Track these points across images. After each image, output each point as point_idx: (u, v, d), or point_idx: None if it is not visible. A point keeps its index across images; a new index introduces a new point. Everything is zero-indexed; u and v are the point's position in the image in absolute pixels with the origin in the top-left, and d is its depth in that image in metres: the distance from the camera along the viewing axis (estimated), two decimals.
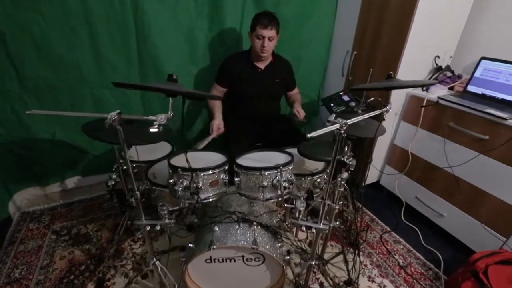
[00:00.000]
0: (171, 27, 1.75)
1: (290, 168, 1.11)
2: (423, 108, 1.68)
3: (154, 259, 1.18)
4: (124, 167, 1.42)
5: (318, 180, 1.31)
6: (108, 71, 1.74)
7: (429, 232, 1.77)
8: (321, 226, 1.06)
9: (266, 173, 1.04)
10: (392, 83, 0.99)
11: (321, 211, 1.06)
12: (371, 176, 2.09)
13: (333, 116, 0.89)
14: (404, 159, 1.87)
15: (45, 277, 1.42)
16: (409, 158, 1.83)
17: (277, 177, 1.06)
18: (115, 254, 1.55)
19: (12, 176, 1.78)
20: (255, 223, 1.20)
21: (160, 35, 1.74)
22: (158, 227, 1.07)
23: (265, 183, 1.05)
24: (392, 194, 2.01)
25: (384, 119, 1.06)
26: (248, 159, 1.20)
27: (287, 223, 1.52)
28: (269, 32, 1.56)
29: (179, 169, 1.02)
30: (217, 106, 1.72)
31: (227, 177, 1.13)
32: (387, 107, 1.02)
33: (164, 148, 1.66)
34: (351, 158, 1.15)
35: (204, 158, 1.20)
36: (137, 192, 1.01)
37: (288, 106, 1.97)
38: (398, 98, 1.81)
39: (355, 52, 1.92)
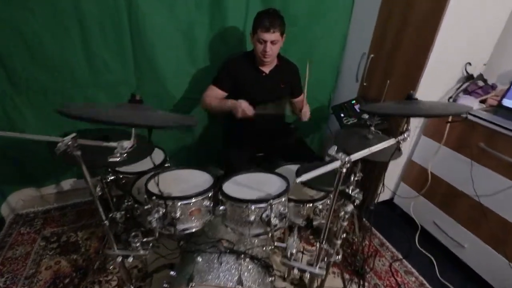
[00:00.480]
0: (168, 23, 1.61)
1: (284, 199, 0.95)
2: (448, 124, 1.46)
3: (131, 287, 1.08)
4: (107, 180, 1.33)
5: (320, 206, 1.15)
6: (101, 71, 1.64)
7: (446, 263, 1.57)
8: (317, 270, 0.91)
9: (253, 207, 0.90)
10: (410, 107, 0.80)
11: (316, 253, 0.90)
12: (384, 193, 1.89)
13: (334, 148, 0.73)
14: (423, 178, 1.66)
15: None
16: (429, 178, 1.62)
17: (267, 212, 0.91)
18: (101, 267, 1.47)
19: (6, 177, 1.75)
20: (243, 256, 1.07)
21: (156, 32, 1.61)
22: (130, 259, 0.96)
23: (251, 218, 0.91)
24: (407, 215, 1.81)
25: (400, 149, 0.87)
26: (236, 185, 1.05)
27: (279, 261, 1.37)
28: (272, 36, 1.38)
29: (154, 197, 0.90)
30: (216, 99, 1.51)
31: (211, 204, 0.99)
32: (405, 135, 0.83)
33: (158, 155, 1.55)
34: (358, 190, 0.97)
35: (188, 179, 1.07)
36: (105, 222, 0.89)
37: (293, 113, 1.78)
38: None
39: (372, 55, 1.70)
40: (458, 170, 1.47)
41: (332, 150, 0.71)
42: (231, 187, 1.02)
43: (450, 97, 1.53)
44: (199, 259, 1.05)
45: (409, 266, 1.57)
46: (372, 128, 1.25)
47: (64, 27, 1.47)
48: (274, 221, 0.89)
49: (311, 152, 1.63)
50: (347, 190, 0.97)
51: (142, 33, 1.58)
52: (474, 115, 1.36)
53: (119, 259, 0.95)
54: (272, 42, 1.41)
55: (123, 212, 1.28)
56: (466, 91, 1.57)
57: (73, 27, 1.48)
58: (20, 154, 1.70)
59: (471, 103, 1.51)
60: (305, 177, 0.63)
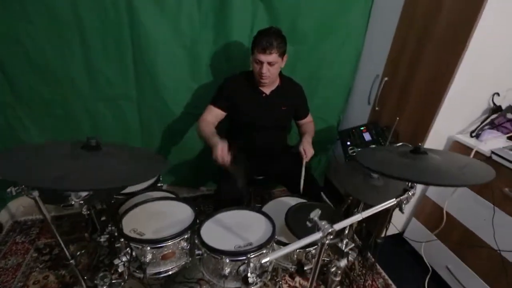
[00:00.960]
0: (171, 39, 1.57)
1: (265, 251, 0.85)
2: None
3: None
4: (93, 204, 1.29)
5: (313, 251, 1.04)
6: (102, 84, 1.62)
7: None
8: None
9: (228, 260, 0.80)
10: (417, 165, 0.67)
11: None
12: (393, 227, 1.74)
13: (317, 212, 0.62)
14: (437, 217, 1.49)
15: None
16: (444, 218, 1.45)
17: (244, 267, 0.81)
18: (90, 286, 1.43)
19: (6, 185, 1.76)
20: None
21: (158, 47, 1.56)
22: None
23: (226, 271, 0.81)
24: (417, 253, 1.64)
25: (402, 211, 0.74)
26: (217, 225, 0.96)
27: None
28: (268, 57, 1.28)
29: (122, 239, 0.83)
30: (208, 129, 1.41)
31: (188, 246, 0.91)
32: (410, 193, 0.70)
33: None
34: (352, 245, 0.86)
35: (167, 214, 0.99)
36: (71, 261, 0.84)
37: (299, 136, 1.67)
38: (436, 139, 1.43)
39: (386, 78, 1.56)
40: (478, 214, 1.30)
41: (315, 214, 0.61)
42: (210, 229, 0.93)
43: (473, 131, 1.37)
44: None
45: None
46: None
47: (65, 40, 1.46)
48: (252, 278, 0.79)
49: (312, 179, 1.51)
50: (340, 245, 0.85)
51: (144, 48, 1.55)
52: (500, 156, 1.19)
53: None
54: (270, 64, 1.31)
55: (107, 236, 1.24)
56: (493, 124, 1.40)
57: (74, 40, 1.47)
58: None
59: (497, 139, 1.33)
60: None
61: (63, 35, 1.45)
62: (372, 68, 1.64)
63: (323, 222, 0.59)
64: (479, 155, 1.27)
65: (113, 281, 0.88)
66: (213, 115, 1.48)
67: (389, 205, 0.67)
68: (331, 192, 2.14)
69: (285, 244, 1.01)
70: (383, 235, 1.67)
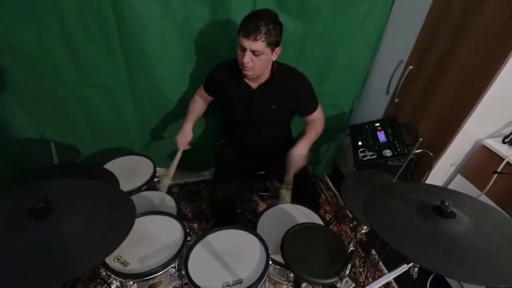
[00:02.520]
0: (160, 16, 1.36)
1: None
2: (495, 174, 1.14)
3: None
4: None
5: None
6: (89, 70, 1.47)
7: None
8: None
9: None
10: (434, 237, 0.53)
11: None
12: None
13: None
14: None
15: None
16: None
17: None
18: (91, 275, 1.48)
19: (4, 175, 1.75)
20: None
21: (146, 26, 1.37)
22: None
23: None
24: None
25: (414, 278, 0.63)
26: (206, 253, 0.89)
27: None
28: (253, 44, 1.05)
29: (105, 272, 0.78)
30: (192, 108, 1.44)
31: (177, 273, 0.86)
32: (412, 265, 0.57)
33: (146, 170, 1.45)
34: (352, 285, 0.78)
35: (153, 237, 0.92)
36: None
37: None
38: (461, 143, 1.26)
39: (411, 67, 1.33)
40: None
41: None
42: (199, 257, 0.87)
43: (507, 137, 1.18)
44: None
45: None
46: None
47: (42, 23, 1.28)
48: None
49: (311, 188, 1.40)
50: (338, 285, 0.78)
51: (130, 27, 1.36)
52: None
53: None
54: (254, 53, 1.08)
55: None
56: None
57: (51, 22, 1.29)
58: (16, 155, 1.67)
59: None
60: None
61: (37, 16, 1.27)
62: (396, 52, 1.40)
63: None
64: (509, 167, 1.11)
65: None
66: (203, 95, 1.44)
67: (400, 272, 0.57)
68: (339, 180, 2.04)
69: (280, 265, 0.96)
70: None
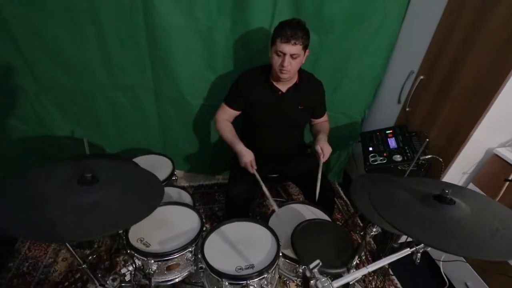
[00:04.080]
0: (186, 27, 1.48)
1: (266, 275, 0.83)
2: (507, 182, 1.15)
3: None
4: None
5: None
6: (119, 74, 1.61)
7: None
8: None
9: (227, 283, 0.80)
10: (435, 220, 0.58)
11: None
12: None
13: (317, 263, 0.57)
14: None
15: (45, 278, 1.50)
16: None
17: None
18: (108, 267, 1.55)
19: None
20: None
21: (173, 36, 1.50)
22: None
23: None
24: (435, 265, 1.57)
25: (417, 262, 0.66)
26: (220, 241, 0.95)
27: None
28: (292, 48, 1.17)
29: (128, 250, 0.85)
30: (229, 132, 1.42)
31: (193, 257, 0.92)
32: (417, 247, 0.62)
33: (165, 168, 1.53)
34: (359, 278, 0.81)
35: (173, 224, 0.99)
36: (84, 266, 0.88)
37: (311, 133, 1.58)
38: (472, 151, 1.28)
39: (421, 77, 1.38)
40: None
41: (314, 265, 0.56)
42: (214, 244, 0.93)
43: None
44: None
45: None
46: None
47: (81, 29, 1.44)
48: None
49: (327, 186, 1.44)
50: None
51: (159, 35, 1.49)
52: None
53: None
54: (292, 56, 1.20)
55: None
56: None
57: (89, 29, 1.44)
58: (48, 150, 1.81)
59: None
60: None
61: (78, 24, 1.43)
62: (407, 63, 1.46)
63: (323, 279, 0.54)
64: None
65: (122, 285, 0.93)
66: (228, 114, 1.46)
67: (402, 255, 0.61)
68: (349, 187, 2.06)
69: (290, 259, 1.00)
70: (400, 241, 1.61)
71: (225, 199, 1.46)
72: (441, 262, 1.51)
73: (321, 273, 0.85)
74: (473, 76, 1.18)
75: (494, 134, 1.24)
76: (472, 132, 1.21)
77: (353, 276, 0.58)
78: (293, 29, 1.17)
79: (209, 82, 1.69)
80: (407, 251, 0.61)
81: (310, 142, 1.65)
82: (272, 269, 0.84)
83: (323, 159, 1.32)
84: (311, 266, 0.57)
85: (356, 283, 0.83)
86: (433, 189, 0.64)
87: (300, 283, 1.03)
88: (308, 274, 0.58)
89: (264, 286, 0.83)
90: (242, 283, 0.80)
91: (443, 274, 1.50)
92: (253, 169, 1.30)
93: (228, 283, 0.79)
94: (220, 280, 0.80)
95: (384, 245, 1.62)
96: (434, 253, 1.58)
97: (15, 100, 1.61)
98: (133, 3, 1.38)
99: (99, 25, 1.43)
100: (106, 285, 0.91)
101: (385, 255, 1.55)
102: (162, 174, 1.46)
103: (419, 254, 0.63)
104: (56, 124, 1.74)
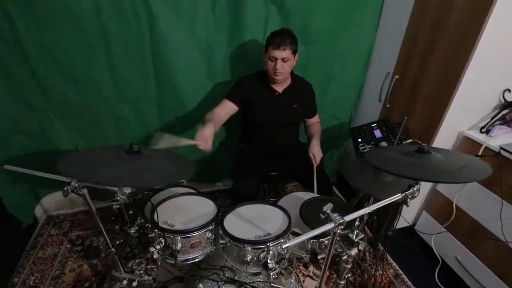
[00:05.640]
0: (187, 43, 1.64)
1: (283, 240, 0.94)
2: (478, 157, 1.33)
3: None
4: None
5: (326, 242, 1.12)
6: (124, 88, 1.71)
7: None
8: None
9: (250, 248, 0.90)
10: (421, 163, 0.74)
11: None
12: (404, 219, 1.79)
13: (330, 205, 0.70)
14: (447, 210, 1.54)
15: None
16: (453, 211, 1.50)
17: (264, 254, 0.90)
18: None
19: (42, 181, 1.90)
20: (243, 287, 1.07)
21: (176, 51, 1.64)
22: (135, 283, 1.01)
23: (248, 258, 0.91)
24: (427, 245, 1.70)
25: (407, 205, 0.81)
26: (237, 218, 1.05)
27: None
28: (282, 53, 1.36)
29: (156, 230, 0.93)
30: (211, 114, 1.44)
31: (213, 236, 1.01)
32: (414, 188, 0.77)
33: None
34: (362, 235, 0.93)
35: (193, 209, 1.09)
36: (112, 250, 0.95)
37: (306, 135, 1.74)
38: (447, 136, 1.47)
39: (396, 76, 1.60)
40: (486, 207, 1.34)
41: (328, 208, 0.69)
42: (232, 221, 1.03)
43: (483, 127, 1.40)
44: (200, 286, 1.08)
45: None
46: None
47: (90, 47, 1.54)
48: (271, 263, 0.88)
49: (325, 177, 1.57)
50: (350, 235, 0.93)
51: (163, 52, 1.63)
52: (508, 151, 1.23)
53: (125, 282, 1.01)
54: (283, 60, 1.39)
55: (136, 228, 1.36)
56: (504, 120, 1.42)
57: (98, 47, 1.55)
58: (53, 163, 1.85)
59: (507, 134, 1.37)
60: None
61: (88, 43, 1.53)
62: (383, 66, 1.69)
63: (335, 214, 0.66)
64: (488, 151, 1.31)
65: (148, 267, 0.99)
66: (225, 109, 1.52)
67: (395, 199, 0.74)
68: (343, 187, 2.20)
69: (300, 235, 1.10)
70: (393, 228, 1.74)
71: (232, 196, 1.55)
72: (432, 242, 1.65)
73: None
74: (438, 71, 1.40)
75: (461, 120, 1.44)
76: (442, 119, 1.41)
77: (360, 212, 0.71)
78: (282, 36, 1.37)
79: (208, 92, 1.83)
80: (398, 196, 0.74)
81: (305, 141, 1.80)
82: (287, 234, 0.94)
83: (315, 164, 1.49)
84: (325, 208, 0.69)
85: (360, 241, 0.94)
86: (414, 148, 0.80)
87: (308, 259, 1.12)
88: (322, 216, 0.69)
89: (281, 251, 0.93)
90: (263, 247, 0.89)
91: (436, 253, 1.63)
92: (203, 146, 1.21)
93: (250, 248, 0.88)
94: (242, 247, 0.89)
95: (379, 233, 1.75)
96: (426, 236, 1.72)
97: (21, 115, 1.66)
98: (140, 23, 1.53)
99: (108, 43, 1.55)
100: (134, 268, 0.97)
101: (381, 242, 1.68)
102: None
103: (409, 199, 0.76)
104: (61, 138, 1.79)
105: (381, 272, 1.61)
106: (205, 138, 1.23)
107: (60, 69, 1.58)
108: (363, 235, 0.95)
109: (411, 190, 0.76)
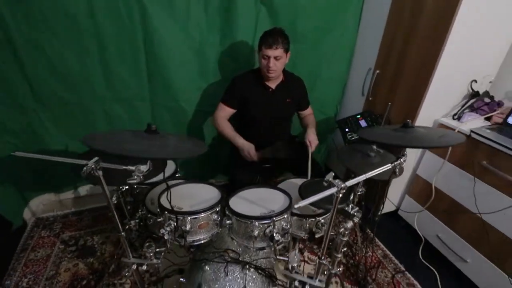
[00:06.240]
0: (180, 42, 1.70)
1: (286, 216, 1.01)
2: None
3: None
4: (123, 189, 1.43)
5: (322, 221, 1.21)
6: (118, 86, 1.74)
7: (449, 277, 1.59)
8: (316, 283, 0.96)
9: (257, 223, 0.96)
10: (406, 136, 0.85)
11: (317, 268, 0.96)
12: (389, 205, 1.92)
13: (331, 175, 0.78)
14: (427, 192, 1.68)
15: None
16: (433, 193, 1.64)
17: (270, 228, 0.97)
18: (116, 270, 1.56)
19: (28, 184, 1.86)
20: (247, 266, 1.13)
21: (169, 50, 1.69)
22: (144, 267, 1.04)
23: (255, 233, 0.97)
24: (411, 227, 1.84)
25: (396, 174, 0.92)
26: (242, 200, 1.12)
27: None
28: (275, 52, 1.45)
29: (166, 212, 0.97)
30: (229, 128, 1.63)
31: (219, 218, 1.06)
32: (402, 159, 0.88)
33: (170, 166, 1.64)
34: (357, 208, 1.03)
35: (197, 194, 1.14)
36: (122, 233, 0.98)
37: (301, 126, 1.85)
38: (424, 124, 1.61)
39: (377, 71, 1.74)
40: (461, 186, 1.49)
41: (330, 176, 0.77)
42: (237, 203, 1.09)
43: (455, 114, 1.56)
44: (207, 268, 1.12)
45: (412, 278, 1.59)
46: (374, 147, 1.30)
47: (84, 46, 1.55)
48: (277, 236, 0.95)
49: (317, 165, 1.67)
50: (346, 208, 1.02)
51: (157, 51, 1.67)
52: (478, 134, 1.38)
53: (134, 266, 1.03)
54: (276, 58, 1.48)
55: (137, 221, 1.38)
56: (472, 108, 1.59)
57: (92, 46, 1.57)
58: (41, 162, 1.81)
59: (476, 120, 1.53)
60: (302, 203, 0.69)
61: (82, 42, 1.54)
62: (365, 62, 1.83)
63: (337, 180, 0.75)
64: (460, 134, 1.47)
65: (157, 250, 1.03)
66: (225, 112, 1.66)
67: (386, 168, 0.84)
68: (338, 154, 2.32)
69: (300, 216, 1.18)
70: (380, 211, 1.87)
71: (231, 185, 1.61)
72: (415, 223, 1.78)
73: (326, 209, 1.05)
74: (414, 65, 1.55)
75: (436, 108, 1.60)
76: (419, 108, 1.56)
77: (358, 179, 0.80)
78: (274, 36, 1.46)
79: (201, 90, 1.89)
80: (388, 166, 0.85)
81: (298, 133, 1.91)
82: (290, 210, 1.02)
83: (311, 150, 1.58)
84: (327, 177, 0.77)
85: (355, 213, 1.03)
86: (400, 126, 0.91)
87: (306, 237, 1.19)
88: (325, 184, 0.78)
89: (285, 226, 1.00)
90: (269, 222, 0.96)
91: (419, 233, 1.77)
92: (253, 158, 1.51)
93: (257, 223, 0.95)
94: (250, 223, 0.95)
95: (366, 219, 1.86)
96: (409, 219, 1.85)
97: (10, 116, 1.63)
98: (133, 22, 1.57)
99: (101, 42, 1.57)
100: (144, 250, 1.00)
101: (369, 227, 1.79)
102: (168, 170, 1.57)
103: (397, 170, 0.87)
104: (51, 139, 1.77)
105: (370, 254, 1.72)
106: (253, 152, 1.55)
107: (52, 68, 1.58)
108: (357, 208, 1.05)
109: (399, 161, 0.86)
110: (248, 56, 1.85)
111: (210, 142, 2.10)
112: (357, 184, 1.26)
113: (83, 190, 2.08)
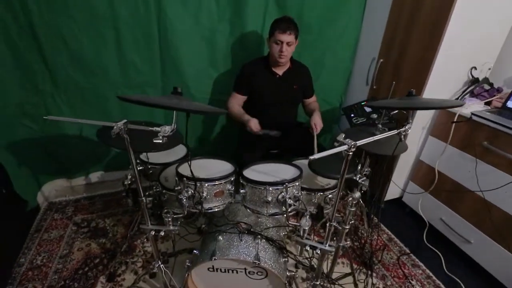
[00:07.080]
0: (193, 31, 1.77)
1: (297, 184, 1.07)
2: (453, 124, 1.54)
3: (159, 262, 1.21)
4: (138, 168, 1.48)
5: (330, 196, 1.25)
6: (132, 73, 1.80)
7: (453, 258, 1.63)
8: (327, 247, 1.01)
9: (271, 189, 1.01)
10: (411, 101, 0.91)
11: (327, 232, 1.01)
12: (393, 192, 1.97)
13: (342, 135, 0.84)
14: (430, 176, 1.73)
15: (63, 266, 1.51)
16: (436, 176, 1.69)
17: (283, 193, 1.02)
18: (128, 250, 1.61)
19: (42, 168, 1.92)
20: (259, 236, 1.18)
21: (182, 39, 1.76)
22: (162, 233, 1.08)
23: (269, 198, 1.02)
24: (415, 213, 1.88)
25: (401, 140, 0.97)
26: (255, 172, 1.17)
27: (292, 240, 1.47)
28: (288, 37, 1.53)
29: (184, 178, 1.03)
30: (236, 108, 1.70)
31: (233, 188, 1.11)
32: (406, 127, 0.94)
33: (180, 151, 1.69)
34: (364, 178, 1.08)
35: (212, 167, 1.20)
36: (143, 198, 1.03)
37: (306, 115, 1.91)
38: (426, 111, 1.68)
39: (381, 60, 1.81)
40: (463, 168, 1.54)
41: (340, 137, 0.83)
42: (250, 173, 1.14)
43: (456, 99, 1.62)
44: (220, 238, 1.17)
45: (417, 260, 1.63)
46: (380, 125, 1.35)
47: (101, 33, 1.63)
48: (289, 201, 1.00)
49: (323, 149, 1.73)
50: (354, 178, 1.07)
51: (169, 39, 1.74)
52: (479, 116, 1.44)
53: (152, 233, 1.08)
54: (288, 44, 1.55)
55: (151, 198, 1.43)
56: (472, 94, 1.65)
57: (109, 33, 1.64)
58: (55, 149, 1.88)
59: (476, 105, 1.59)
60: (318, 155, 0.75)
61: (99, 29, 1.62)
62: (369, 52, 1.90)
63: (348, 139, 0.81)
64: (461, 117, 1.52)
65: (174, 216, 1.07)
66: (237, 99, 1.74)
67: (392, 133, 0.90)
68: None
69: (309, 190, 1.22)
70: (383, 198, 1.91)
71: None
72: (419, 208, 1.82)
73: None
74: (415, 53, 1.61)
75: (438, 94, 1.65)
76: (421, 94, 1.62)
77: (367, 139, 0.85)
78: (287, 22, 1.54)
79: (212, 78, 1.96)
80: (394, 131, 0.91)
81: (305, 120, 1.96)
82: (301, 179, 1.07)
83: (316, 132, 1.63)
84: (338, 137, 0.83)
85: (363, 183, 1.08)
86: (405, 96, 0.98)
87: (315, 212, 1.24)
88: (336, 144, 0.83)
89: (296, 194, 1.05)
90: (282, 188, 1.01)
91: (423, 218, 1.81)
92: (258, 131, 1.56)
93: (271, 188, 1.00)
94: (263, 189, 1.00)
95: (371, 205, 1.91)
96: (414, 204, 1.90)
97: (28, 99, 1.70)
98: (148, 11, 1.65)
99: (118, 29, 1.65)
100: (163, 216, 1.04)
101: (374, 214, 1.83)
102: (178, 154, 1.61)
103: (402, 136, 0.93)
104: (66, 123, 1.84)
105: (376, 237, 1.76)
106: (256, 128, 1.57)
107: (71, 54, 1.65)
108: (364, 177, 1.10)
109: (404, 128, 0.92)
110: (257, 46, 1.92)
111: (220, 129, 2.16)
112: (366, 158, 1.31)
113: (94, 176, 2.13)
